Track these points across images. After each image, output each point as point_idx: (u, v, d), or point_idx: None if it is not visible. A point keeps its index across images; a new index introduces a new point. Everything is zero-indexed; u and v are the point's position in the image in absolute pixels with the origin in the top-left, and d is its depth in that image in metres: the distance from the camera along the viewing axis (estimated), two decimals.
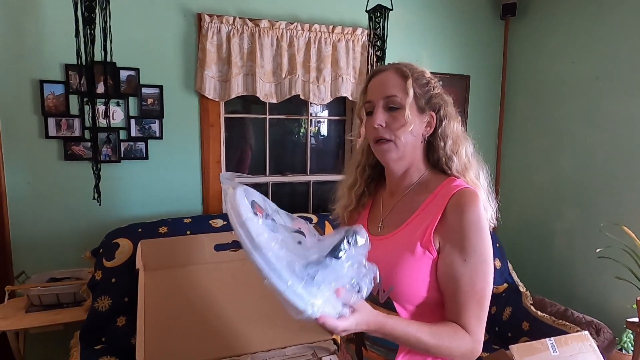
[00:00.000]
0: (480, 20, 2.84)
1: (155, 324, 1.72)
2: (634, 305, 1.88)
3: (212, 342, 1.76)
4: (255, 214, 0.76)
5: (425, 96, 0.91)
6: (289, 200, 2.70)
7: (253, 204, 0.78)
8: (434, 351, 0.80)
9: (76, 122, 2.08)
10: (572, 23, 2.49)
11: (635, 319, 1.87)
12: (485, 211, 0.87)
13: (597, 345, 1.74)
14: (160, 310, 1.76)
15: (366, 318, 0.73)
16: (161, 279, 1.82)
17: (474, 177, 0.93)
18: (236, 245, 1.95)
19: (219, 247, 1.95)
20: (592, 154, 2.40)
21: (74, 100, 2.06)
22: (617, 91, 2.26)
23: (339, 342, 1.00)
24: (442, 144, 0.92)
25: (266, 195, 2.58)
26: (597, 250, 2.00)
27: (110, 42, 1.83)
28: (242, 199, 0.77)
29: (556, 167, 2.62)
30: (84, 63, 1.81)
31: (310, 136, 2.70)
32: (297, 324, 1.96)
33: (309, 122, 2.68)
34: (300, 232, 0.78)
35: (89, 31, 1.76)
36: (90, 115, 1.90)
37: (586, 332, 1.78)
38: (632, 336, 2.01)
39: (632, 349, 1.94)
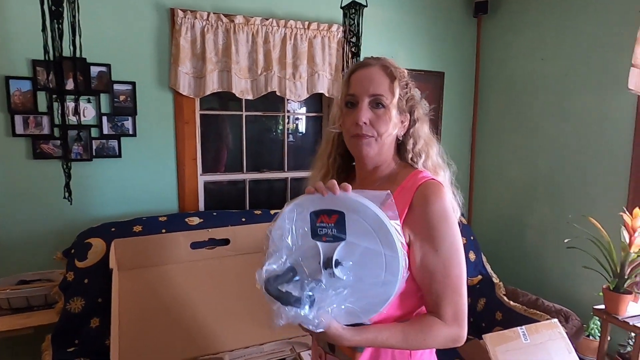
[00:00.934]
0: (454, 18, 2.89)
1: (130, 324, 1.69)
2: (601, 293, 1.95)
3: (189, 340, 1.74)
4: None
5: (404, 97, 0.93)
6: (267, 197, 2.69)
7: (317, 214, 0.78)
8: (411, 348, 0.87)
9: (45, 120, 2.02)
10: (542, 21, 2.56)
11: (602, 307, 1.95)
12: (452, 204, 0.89)
13: (566, 332, 1.80)
14: (136, 310, 1.74)
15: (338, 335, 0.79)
16: (136, 279, 1.79)
17: (442, 176, 0.96)
18: (212, 243, 1.93)
19: (195, 245, 1.93)
20: (561, 149, 2.47)
21: (42, 97, 2.00)
22: (585, 88, 2.34)
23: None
24: (414, 143, 0.96)
25: (243, 192, 2.58)
26: (565, 241, 2.07)
27: (80, 37, 1.77)
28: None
29: (528, 162, 2.69)
30: (51, 58, 1.76)
31: (288, 133, 2.69)
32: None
33: (286, 119, 2.67)
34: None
35: (56, 25, 1.70)
36: (60, 112, 1.85)
37: (555, 320, 1.84)
38: (598, 323, 2.09)
39: (599, 335, 2.02)
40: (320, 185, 0.77)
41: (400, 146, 0.97)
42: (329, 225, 0.76)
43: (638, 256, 1.86)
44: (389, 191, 0.79)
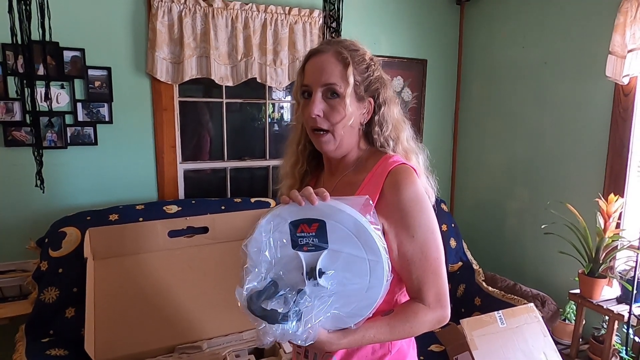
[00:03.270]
0: (437, 5, 2.87)
1: (106, 314, 1.67)
2: (576, 278, 1.99)
3: (167, 329, 1.72)
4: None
5: (364, 83, 0.88)
6: (248, 185, 2.66)
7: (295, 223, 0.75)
8: (399, 339, 0.86)
9: (16, 106, 1.96)
10: (523, 9, 2.56)
11: (577, 291, 1.98)
12: (425, 188, 0.87)
13: (542, 317, 1.84)
14: (112, 299, 1.71)
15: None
16: (112, 268, 1.77)
17: (415, 160, 0.93)
18: (191, 231, 1.91)
19: (173, 234, 1.90)
20: (540, 136, 2.50)
21: (12, 82, 1.93)
22: (563, 76, 2.35)
23: None
24: (380, 130, 0.91)
25: (224, 181, 2.56)
26: (543, 227, 2.10)
27: (49, 19, 1.71)
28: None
29: (508, 148, 2.71)
30: (20, 42, 1.69)
31: (270, 121, 2.66)
32: None
33: (267, 106, 2.64)
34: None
35: (23, 7, 1.64)
36: (30, 98, 1.79)
37: (532, 304, 1.87)
38: (574, 307, 2.13)
39: (574, 318, 2.06)
40: (296, 195, 0.73)
41: (367, 133, 0.93)
42: (310, 234, 0.73)
43: (612, 241, 1.90)
44: (367, 196, 0.76)
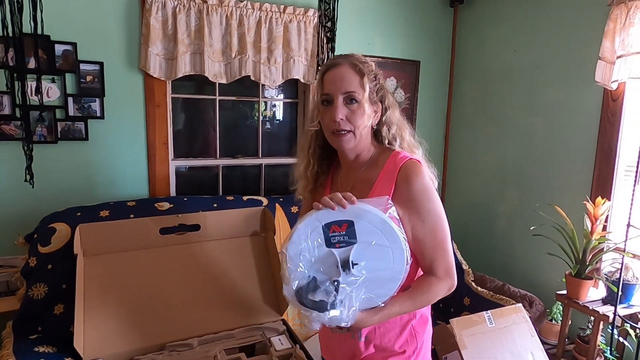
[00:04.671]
0: (430, 7, 2.89)
1: (96, 311, 1.66)
2: (563, 279, 2.02)
3: (158, 327, 1.71)
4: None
5: (374, 89, 1.03)
6: (241, 183, 2.66)
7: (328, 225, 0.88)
8: (419, 308, 1.05)
9: (5, 99, 1.93)
10: (515, 13, 2.59)
11: (564, 292, 2.02)
12: (430, 177, 1.02)
13: (530, 317, 1.87)
14: (102, 296, 1.69)
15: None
16: (102, 265, 1.75)
17: (418, 154, 1.09)
18: (182, 229, 1.90)
19: (164, 231, 1.89)
20: (530, 139, 2.53)
21: (2, 75, 1.90)
22: (554, 80, 2.39)
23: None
24: (387, 129, 1.07)
25: (216, 178, 2.55)
26: (532, 228, 2.13)
27: (41, 12, 1.69)
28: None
29: (499, 150, 2.74)
30: (10, 34, 1.67)
31: (263, 119, 2.66)
32: (245, 305, 1.95)
33: (260, 104, 2.64)
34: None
35: None
36: (20, 92, 1.77)
37: (520, 304, 1.90)
38: (561, 307, 2.17)
39: (561, 319, 2.10)
40: (328, 201, 0.86)
41: (376, 132, 1.08)
42: (341, 233, 0.87)
43: (599, 243, 1.93)
44: (387, 196, 0.91)
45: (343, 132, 1.00)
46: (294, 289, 0.86)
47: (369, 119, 1.02)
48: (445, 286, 1.00)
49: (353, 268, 0.87)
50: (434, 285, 0.99)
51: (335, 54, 2.05)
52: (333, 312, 0.85)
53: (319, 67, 2.26)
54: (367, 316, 0.91)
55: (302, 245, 0.87)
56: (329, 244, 0.87)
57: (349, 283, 0.87)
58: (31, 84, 1.86)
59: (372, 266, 0.88)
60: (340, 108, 0.99)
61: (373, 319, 0.93)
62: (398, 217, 0.91)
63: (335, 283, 0.86)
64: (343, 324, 0.87)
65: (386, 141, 1.08)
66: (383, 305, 0.92)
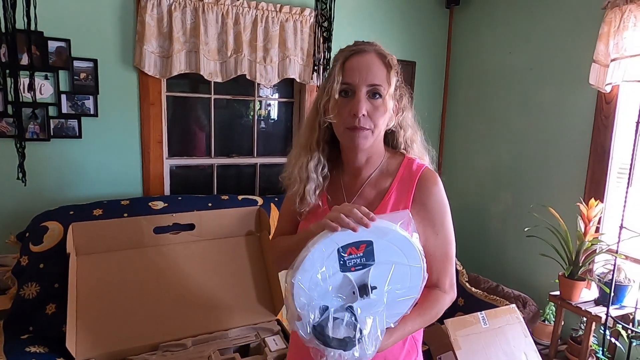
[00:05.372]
0: (426, 8, 2.90)
1: (89, 311, 1.64)
2: (557, 280, 2.04)
3: (151, 327, 1.70)
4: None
5: (397, 85, 0.92)
6: (236, 182, 2.65)
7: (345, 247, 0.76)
8: (428, 324, 0.94)
9: None
10: (510, 15, 2.61)
11: (557, 293, 2.03)
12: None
13: (523, 317, 1.88)
14: (94, 296, 1.68)
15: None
16: (95, 264, 1.73)
17: (427, 161, 1.00)
18: (177, 227, 1.89)
19: (158, 230, 1.88)
20: (524, 140, 2.55)
21: None
22: (547, 82, 2.40)
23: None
24: (402, 132, 0.97)
25: (211, 177, 2.53)
26: (525, 229, 2.14)
27: (34, 7, 1.67)
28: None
29: (493, 152, 2.76)
30: (3, 30, 1.65)
31: (258, 118, 2.65)
32: (239, 305, 1.94)
33: (255, 104, 2.63)
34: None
35: None
36: (13, 88, 1.74)
37: (514, 305, 1.91)
38: (554, 308, 2.18)
39: (554, 319, 2.11)
40: (348, 222, 0.73)
41: (389, 135, 0.97)
42: (358, 255, 0.75)
43: (592, 245, 1.95)
44: (407, 210, 0.81)
45: (361, 128, 0.87)
46: (311, 325, 0.74)
47: (390, 118, 0.92)
48: (449, 299, 0.95)
49: (372, 292, 0.76)
50: (440, 299, 0.93)
51: (332, 54, 2.05)
52: (359, 348, 0.74)
53: (315, 67, 2.26)
54: (385, 340, 0.81)
55: (315, 274, 0.74)
56: (343, 267, 0.75)
57: (369, 309, 0.76)
58: (24, 81, 1.83)
59: (391, 289, 0.79)
60: (363, 102, 0.86)
61: (389, 343, 0.83)
62: (416, 232, 0.81)
63: (352, 311, 0.75)
64: (368, 357, 0.76)
65: (402, 146, 0.97)
66: (395, 325, 0.82)
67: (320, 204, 0.97)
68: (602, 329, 1.85)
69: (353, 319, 0.74)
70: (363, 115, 0.86)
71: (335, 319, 0.74)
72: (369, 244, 0.75)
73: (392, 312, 0.80)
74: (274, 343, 1.74)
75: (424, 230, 0.90)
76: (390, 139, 0.98)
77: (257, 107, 2.64)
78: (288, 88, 2.72)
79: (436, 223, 0.92)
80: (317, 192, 0.96)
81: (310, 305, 0.74)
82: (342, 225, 0.73)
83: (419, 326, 0.91)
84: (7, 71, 1.82)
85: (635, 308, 1.81)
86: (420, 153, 1.00)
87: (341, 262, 0.75)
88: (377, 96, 0.88)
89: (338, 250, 0.74)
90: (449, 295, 0.95)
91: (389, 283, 0.78)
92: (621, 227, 1.77)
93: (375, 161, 0.95)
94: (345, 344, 0.73)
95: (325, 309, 0.75)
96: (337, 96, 0.89)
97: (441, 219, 0.92)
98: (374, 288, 0.76)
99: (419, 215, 0.89)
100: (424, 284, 0.81)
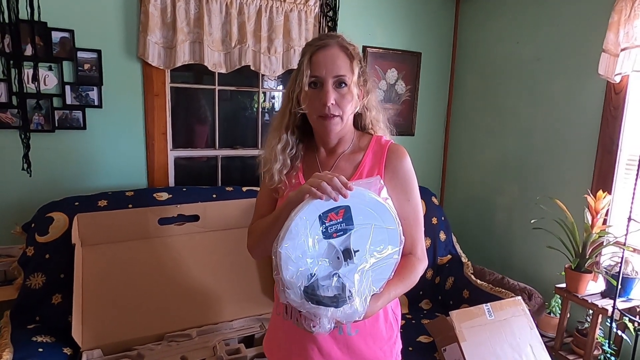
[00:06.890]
0: None
1: (94, 301, 1.65)
2: (563, 273, 2.02)
3: (156, 317, 1.71)
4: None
5: (360, 72, 1.01)
6: (240, 173, 2.64)
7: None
8: (407, 290, 0.98)
9: (2, 87, 1.90)
10: (517, 5, 2.57)
11: (563, 285, 2.02)
12: None
13: (529, 310, 1.86)
14: (100, 286, 1.69)
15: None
16: (100, 255, 1.74)
17: (390, 137, 1.10)
18: (181, 219, 1.89)
19: (163, 221, 1.88)
20: (531, 132, 2.52)
21: None
22: (555, 72, 2.37)
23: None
24: (369, 113, 1.07)
25: (215, 169, 2.53)
26: (532, 222, 2.12)
27: None
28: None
29: (500, 143, 2.73)
30: (7, 21, 1.64)
31: (262, 110, 2.64)
32: (244, 296, 1.94)
33: (260, 95, 2.61)
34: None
35: None
36: (17, 79, 1.74)
37: (519, 297, 1.90)
38: (560, 301, 2.17)
39: (559, 312, 2.10)
40: (330, 191, 0.78)
41: (357, 117, 1.08)
42: (338, 221, 0.80)
43: (599, 237, 1.93)
44: (379, 176, 0.89)
45: (331, 116, 0.97)
46: (301, 290, 0.77)
47: (356, 104, 1.01)
48: (423, 267, 1.01)
49: (355, 256, 0.80)
50: (417, 265, 1.00)
51: None
52: (350, 305, 0.78)
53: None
54: (372, 306, 0.85)
55: (301, 241, 0.77)
56: (326, 234, 0.79)
57: (351, 271, 0.80)
58: (28, 72, 1.83)
59: (373, 250, 0.83)
60: (331, 92, 0.96)
61: (375, 307, 0.87)
62: (388, 196, 0.87)
63: (338, 275, 0.79)
64: (357, 317, 0.79)
65: (369, 125, 1.08)
66: (380, 291, 0.87)
67: (299, 180, 1.05)
68: (609, 321, 1.84)
69: (339, 282, 0.79)
70: (332, 104, 0.96)
71: (323, 285, 0.79)
72: (347, 209, 0.80)
73: (376, 278, 0.85)
74: None
75: (397, 196, 0.97)
76: (358, 120, 1.08)
77: (261, 99, 2.63)
78: None
79: (407, 190, 1.00)
80: (284, 172, 1.06)
81: (299, 272, 0.78)
82: (325, 193, 0.78)
83: (401, 291, 0.96)
84: (11, 62, 1.83)
85: None
86: (385, 132, 1.10)
87: (323, 230, 0.80)
88: (343, 85, 0.97)
89: (319, 216, 0.79)
90: (422, 263, 1.01)
91: (370, 244, 0.83)
92: (629, 219, 1.75)
93: (347, 140, 1.06)
94: (337, 300, 0.78)
95: (312, 275, 0.79)
96: (307, 88, 0.98)
97: (411, 186, 1.01)
98: (356, 251, 0.81)
99: (391, 182, 0.98)
100: (402, 246, 0.87)
